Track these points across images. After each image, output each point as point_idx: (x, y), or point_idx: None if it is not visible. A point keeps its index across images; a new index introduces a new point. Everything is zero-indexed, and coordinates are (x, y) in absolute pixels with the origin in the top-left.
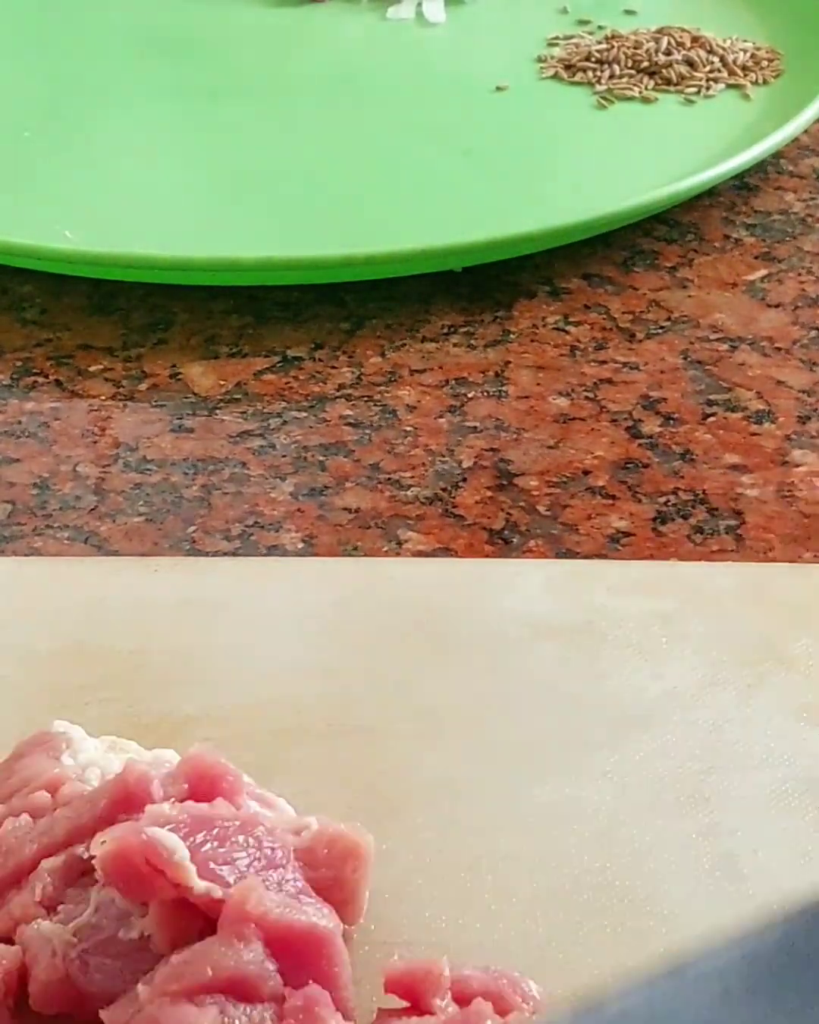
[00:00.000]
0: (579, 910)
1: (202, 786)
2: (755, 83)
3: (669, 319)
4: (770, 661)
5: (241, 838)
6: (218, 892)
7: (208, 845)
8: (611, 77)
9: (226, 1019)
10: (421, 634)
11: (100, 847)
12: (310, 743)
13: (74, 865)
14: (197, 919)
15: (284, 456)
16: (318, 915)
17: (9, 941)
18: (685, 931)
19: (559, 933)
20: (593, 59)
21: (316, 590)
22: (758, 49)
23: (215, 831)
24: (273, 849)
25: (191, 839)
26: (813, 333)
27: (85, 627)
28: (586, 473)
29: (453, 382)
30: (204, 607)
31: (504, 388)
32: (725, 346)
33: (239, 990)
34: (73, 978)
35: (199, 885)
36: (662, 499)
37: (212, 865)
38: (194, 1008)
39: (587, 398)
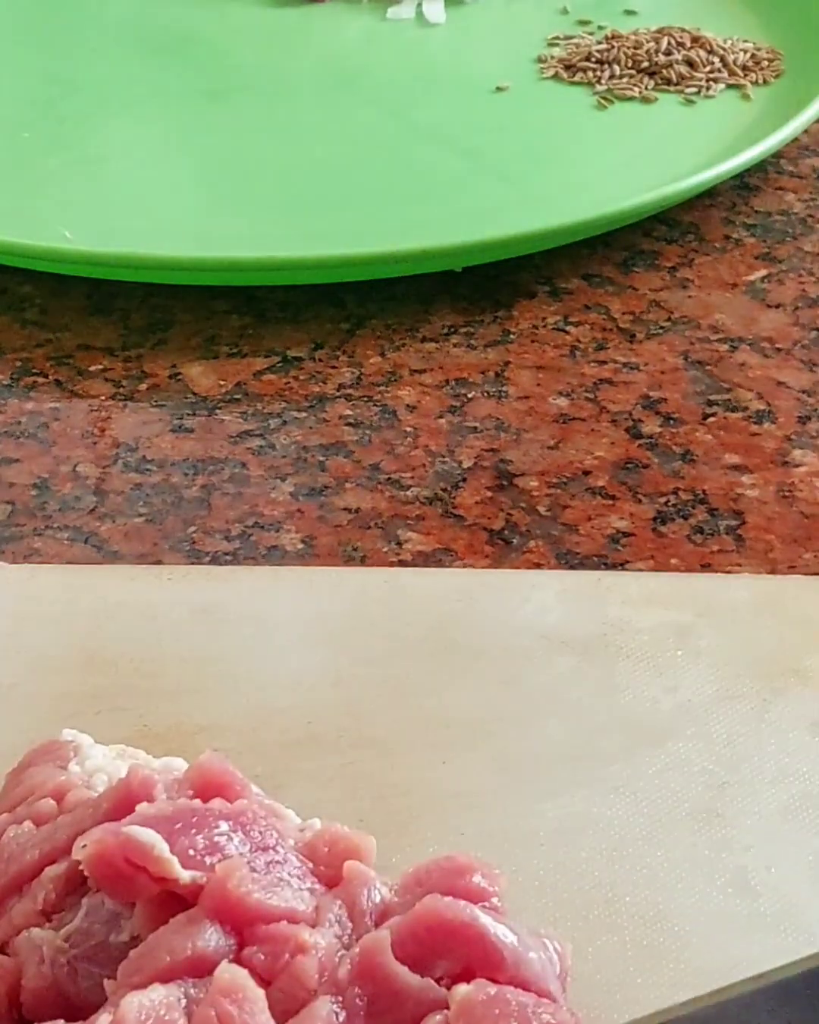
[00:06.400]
0: (589, 926)
1: (208, 793)
2: (755, 83)
3: (669, 319)
4: (785, 675)
5: (225, 825)
6: (204, 879)
7: (191, 834)
8: (611, 77)
9: (187, 997)
10: (434, 645)
11: (81, 851)
12: (321, 754)
13: (76, 872)
14: (184, 911)
15: (284, 456)
16: (297, 900)
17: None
18: (696, 948)
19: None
20: (593, 59)
21: (328, 600)
22: (758, 49)
23: (196, 819)
24: (262, 833)
25: (173, 831)
26: (813, 333)
27: (96, 636)
28: (586, 473)
29: (453, 382)
30: (216, 616)
31: (504, 388)
32: (725, 346)
33: (199, 968)
34: (62, 985)
35: (184, 875)
36: (662, 499)
37: (192, 853)
38: (150, 988)
39: (587, 398)
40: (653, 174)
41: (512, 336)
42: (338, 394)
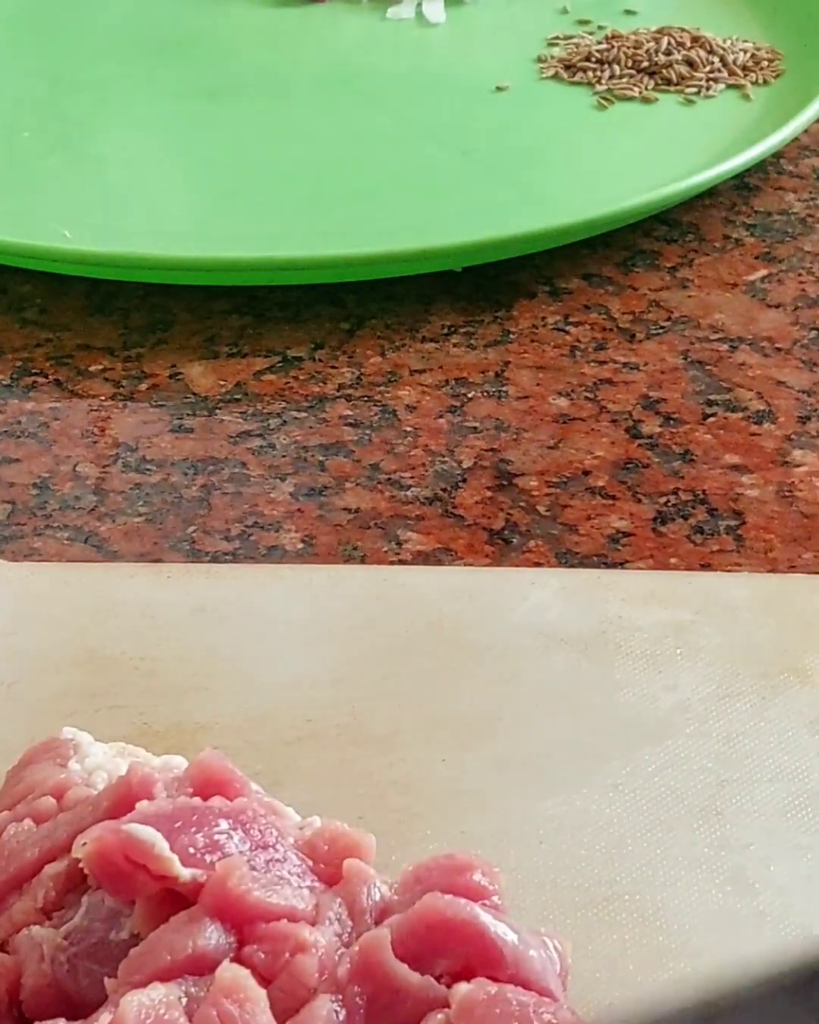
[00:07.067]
0: (587, 924)
1: (208, 791)
2: (755, 83)
3: (669, 319)
4: (784, 673)
5: (225, 823)
6: (204, 877)
7: (191, 832)
8: (611, 77)
9: (188, 996)
10: (433, 643)
11: (81, 849)
12: (321, 752)
13: (76, 869)
14: (184, 909)
15: (284, 456)
16: (297, 898)
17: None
18: (695, 946)
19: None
20: (593, 59)
21: (328, 598)
22: (758, 49)
23: (196, 817)
24: (262, 831)
25: (173, 829)
26: (813, 333)
27: (96, 634)
28: (586, 473)
29: (453, 382)
30: (216, 614)
31: (504, 388)
32: (725, 346)
33: (200, 967)
34: (62, 983)
35: (184, 873)
36: (662, 499)
37: (192, 850)
38: (149, 987)
39: (587, 398)
40: (653, 174)
41: (512, 336)
42: (338, 394)
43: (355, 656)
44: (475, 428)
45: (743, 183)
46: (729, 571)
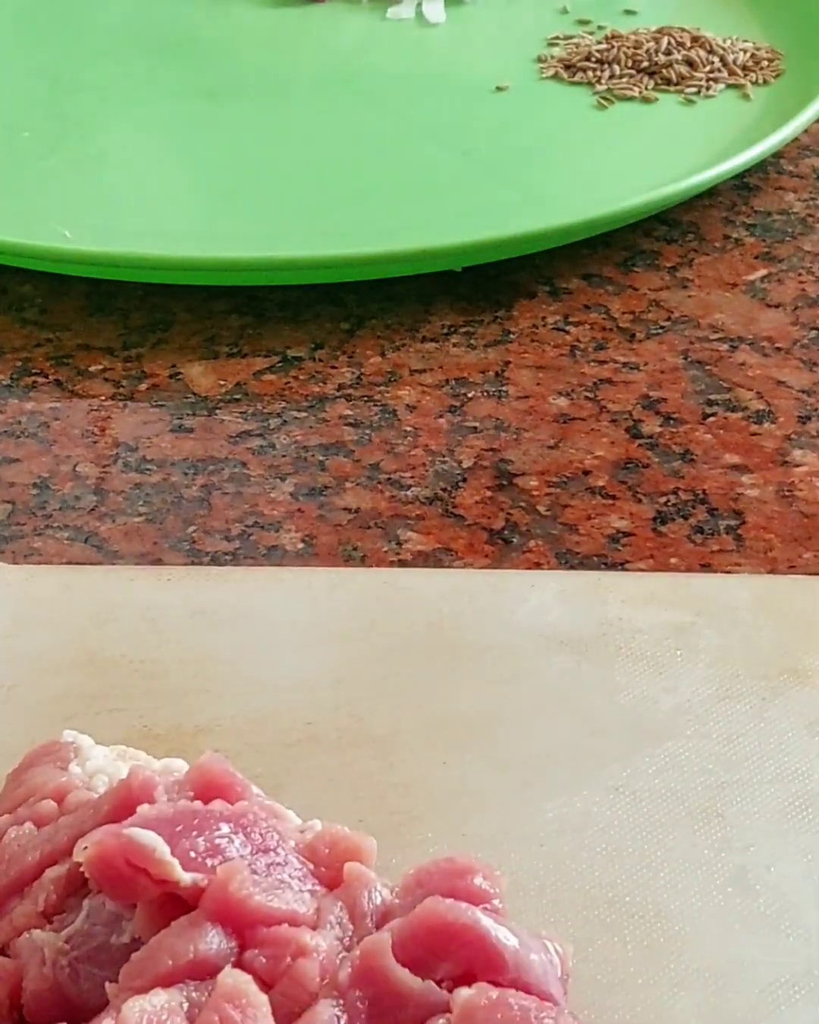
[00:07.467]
0: (589, 926)
1: (209, 794)
2: (755, 83)
3: (669, 319)
4: (784, 674)
5: (226, 827)
6: (205, 881)
7: (192, 836)
8: (611, 77)
9: (189, 1001)
10: (433, 645)
11: (82, 853)
12: (321, 754)
13: (76, 873)
14: (186, 913)
15: (284, 456)
16: (298, 902)
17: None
18: (697, 948)
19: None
20: (593, 59)
21: (328, 600)
22: (758, 49)
23: (197, 821)
24: (263, 835)
25: (174, 833)
26: (813, 333)
27: (96, 637)
28: (586, 473)
29: (453, 382)
30: (216, 617)
31: (504, 388)
32: (725, 346)
33: (201, 972)
34: (63, 987)
35: (185, 877)
36: (662, 499)
37: (193, 855)
38: (150, 993)
39: (587, 398)
40: (653, 174)
41: (512, 336)
42: (338, 394)
43: (355, 658)
44: (475, 428)
45: (743, 183)
46: (729, 571)
